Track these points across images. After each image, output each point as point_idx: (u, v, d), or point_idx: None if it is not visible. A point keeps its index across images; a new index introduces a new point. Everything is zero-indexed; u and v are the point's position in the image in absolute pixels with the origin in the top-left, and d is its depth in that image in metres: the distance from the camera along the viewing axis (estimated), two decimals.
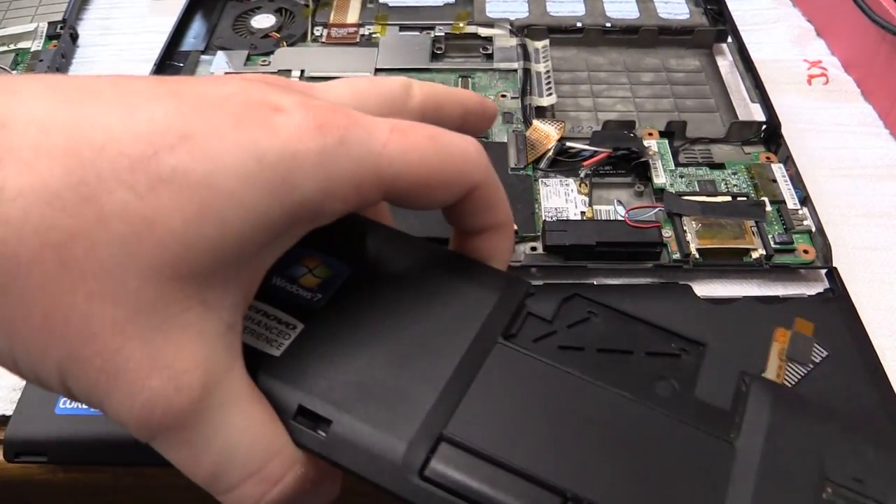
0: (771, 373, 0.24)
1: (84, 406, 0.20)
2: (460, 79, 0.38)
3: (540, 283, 0.29)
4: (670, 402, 0.18)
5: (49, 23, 0.44)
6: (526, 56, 0.40)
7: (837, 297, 0.28)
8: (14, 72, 0.41)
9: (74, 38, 0.45)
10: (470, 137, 0.20)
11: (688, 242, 0.29)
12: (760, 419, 0.18)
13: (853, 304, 0.28)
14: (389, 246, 0.21)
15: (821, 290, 0.29)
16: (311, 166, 0.16)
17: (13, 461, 0.24)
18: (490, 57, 0.40)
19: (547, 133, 0.34)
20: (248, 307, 0.18)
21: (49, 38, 0.43)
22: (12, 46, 0.43)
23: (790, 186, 0.32)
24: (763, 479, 0.16)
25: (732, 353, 0.26)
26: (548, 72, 0.39)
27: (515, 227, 0.30)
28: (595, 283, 0.29)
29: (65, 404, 0.25)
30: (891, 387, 0.25)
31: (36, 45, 0.43)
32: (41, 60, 0.42)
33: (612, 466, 0.16)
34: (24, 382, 0.25)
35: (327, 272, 0.20)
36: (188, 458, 0.16)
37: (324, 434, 0.17)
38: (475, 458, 0.16)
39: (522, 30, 0.41)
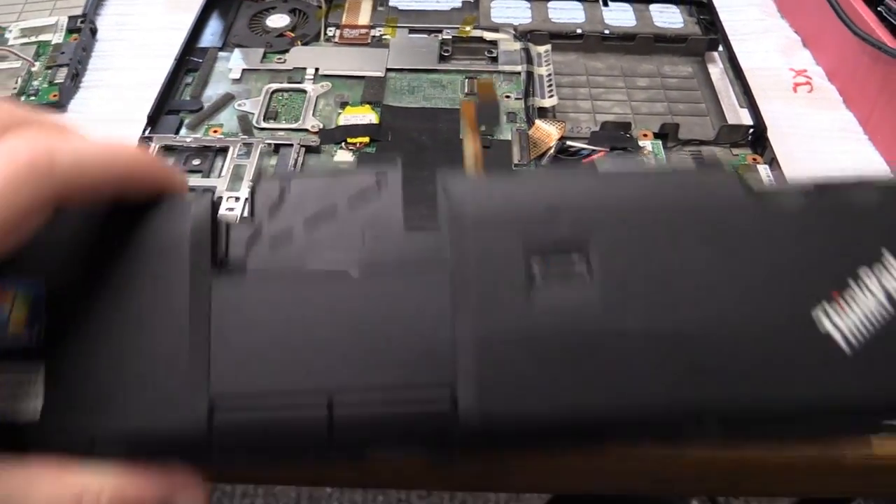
0: (470, 158, 0.21)
1: None
2: (467, 79, 0.41)
3: None
4: (387, 243, 0.18)
5: (69, 17, 0.46)
6: (529, 59, 0.42)
7: None
8: (37, 63, 0.43)
9: (94, 32, 0.47)
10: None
11: None
12: (464, 221, 0.18)
13: None
14: (56, 236, 0.18)
15: None
16: None
17: None
18: (495, 60, 0.42)
19: (548, 132, 0.36)
20: None
21: (69, 31, 0.45)
22: (34, 39, 0.45)
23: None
24: (481, 284, 0.17)
25: None
26: (549, 75, 0.41)
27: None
28: None
29: None
30: None
31: (57, 38, 0.45)
32: (63, 53, 0.43)
33: (362, 342, 0.17)
34: None
35: (25, 302, 0.18)
36: None
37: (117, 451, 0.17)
38: (247, 400, 0.17)
39: (526, 35, 0.43)
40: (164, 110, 0.38)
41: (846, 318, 0.16)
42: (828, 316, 0.17)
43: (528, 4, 0.46)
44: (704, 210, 0.18)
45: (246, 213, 0.19)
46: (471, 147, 0.20)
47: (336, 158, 0.36)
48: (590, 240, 0.18)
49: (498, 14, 0.45)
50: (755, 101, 0.38)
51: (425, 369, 0.17)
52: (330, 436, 0.17)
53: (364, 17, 0.45)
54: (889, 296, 0.17)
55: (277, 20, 0.45)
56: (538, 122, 0.37)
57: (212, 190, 0.20)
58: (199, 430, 0.17)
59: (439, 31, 0.44)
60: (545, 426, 0.17)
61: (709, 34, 0.44)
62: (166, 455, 0.17)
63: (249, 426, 0.17)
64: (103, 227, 0.18)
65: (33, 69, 0.43)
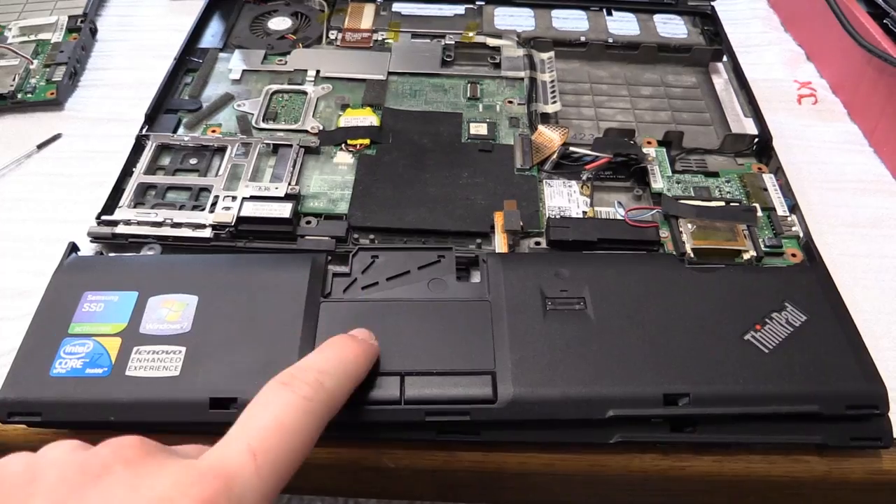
0: (500, 245, 0.31)
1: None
2: (469, 84, 0.40)
3: None
4: (444, 290, 0.28)
5: (69, 16, 0.46)
6: (532, 66, 0.41)
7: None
8: (35, 61, 0.42)
9: (94, 32, 0.46)
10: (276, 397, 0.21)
11: (683, 242, 0.31)
12: (499, 279, 0.28)
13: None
14: (217, 269, 0.28)
15: None
16: None
17: (7, 422, 0.25)
18: (498, 66, 0.42)
19: (551, 138, 0.36)
20: (137, 351, 0.25)
21: (69, 30, 0.45)
22: (33, 37, 0.44)
23: (780, 195, 0.33)
24: (510, 313, 0.26)
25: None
26: (552, 81, 0.41)
27: (522, 224, 0.31)
28: None
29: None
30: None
31: (56, 37, 0.44)
32: (62, 51, 0.43)
33: (426, 344, 0.25)
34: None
35: (182, 305, 0.27)
36: None
37: (236, 409, 0.24)
38: None
39: (529, 41, 0.43)
40: (163, 109, 0.38)
41: (764, 335, 0.27)
42: (753, 336, 0.27)
43: (532, 12, 0.46)
44: (658, 271, 0.29)
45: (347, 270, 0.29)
46: (502, 238, 0.31)
47: (335, 160, 0.35)
48: (584, 290, 0.27)
49: (501, 21, 0.45)
50: (760, 111, 0.38)
51: (472, 362, 0.25)
52: (401, 402, 0.24)
53: (366, 22, 0.45)
54: (789, 322, 0.27)
55: (279, 23, 0.44)
56: (541, 127, 0.37)
57: (326, 252, 0.30)
58: None
59: (442, 36, 0.43)
60: (555, 406, 0.24)
61: (713, 45, 0.44)
62: None
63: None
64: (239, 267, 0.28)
65: (31, 67, 0.42)
